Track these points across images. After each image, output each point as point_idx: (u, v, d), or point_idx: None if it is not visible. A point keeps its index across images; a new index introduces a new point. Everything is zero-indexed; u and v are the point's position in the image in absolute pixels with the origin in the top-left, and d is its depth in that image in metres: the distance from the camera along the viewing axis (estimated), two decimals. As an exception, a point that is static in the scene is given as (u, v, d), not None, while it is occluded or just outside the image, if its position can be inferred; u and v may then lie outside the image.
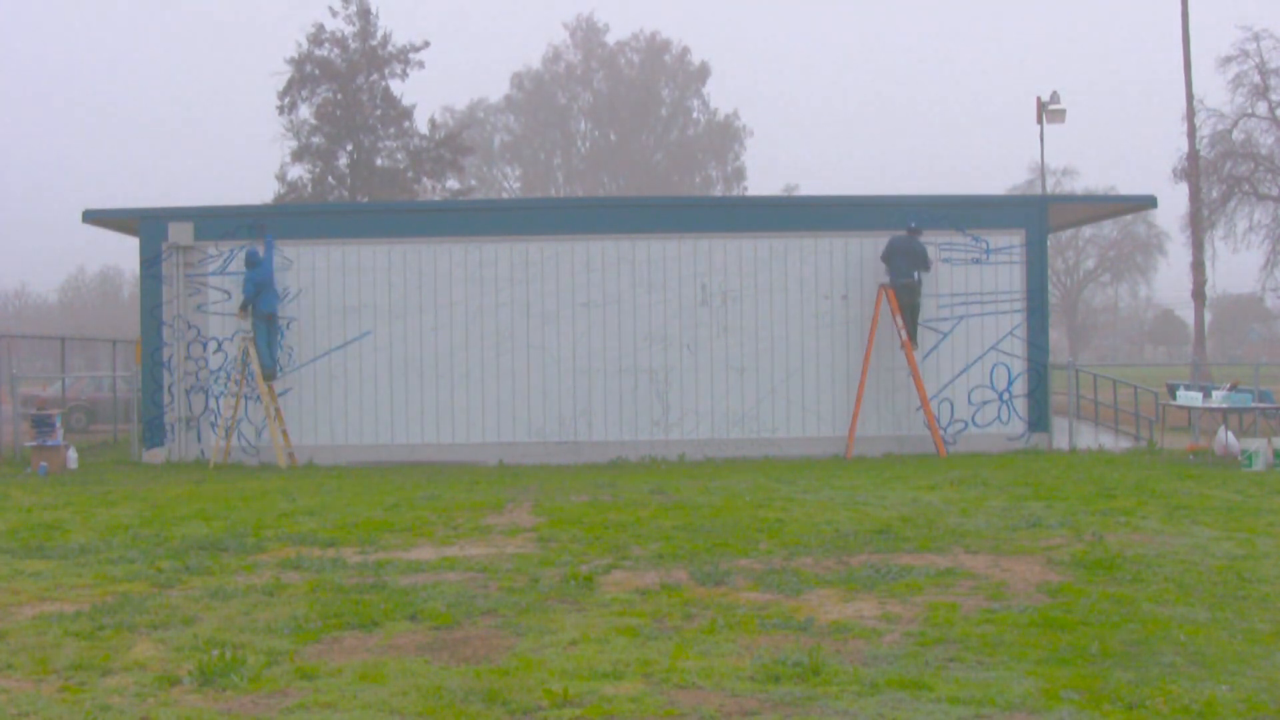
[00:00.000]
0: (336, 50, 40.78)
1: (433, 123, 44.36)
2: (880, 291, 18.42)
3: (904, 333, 18.23)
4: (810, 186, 67.03)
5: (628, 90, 71.52)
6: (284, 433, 18.31)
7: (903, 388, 18.73)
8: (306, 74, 40.45)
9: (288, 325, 18.77)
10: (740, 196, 59.20)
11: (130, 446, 19.99)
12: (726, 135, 72.72)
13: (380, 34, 41.07)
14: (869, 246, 18.93)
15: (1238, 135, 38.78)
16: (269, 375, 18.30)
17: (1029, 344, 19.01)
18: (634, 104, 71.10)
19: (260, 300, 18.26)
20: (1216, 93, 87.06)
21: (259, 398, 18.73)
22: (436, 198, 41.46)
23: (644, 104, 71.41)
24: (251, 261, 18.33)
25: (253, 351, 18.22)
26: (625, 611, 7.48)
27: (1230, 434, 16.50)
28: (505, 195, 70.29)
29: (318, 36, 40.68)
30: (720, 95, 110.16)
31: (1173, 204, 41.35)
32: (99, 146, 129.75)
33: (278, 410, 18.31)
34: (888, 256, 18.35)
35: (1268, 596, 7.68)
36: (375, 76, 41.15)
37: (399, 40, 41.34)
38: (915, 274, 18.26)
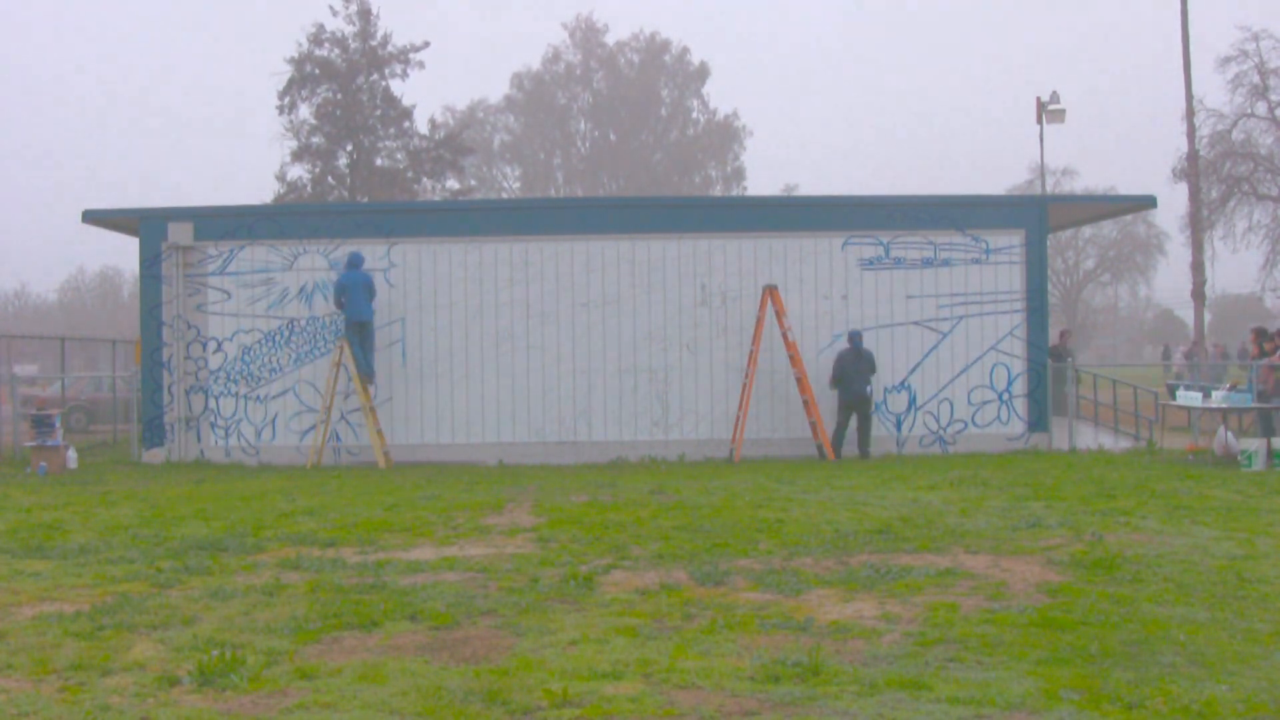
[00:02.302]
0: (336, 50, 40.81)
1: (433, 123, 44.43)
2: (765, 293, 18.23)
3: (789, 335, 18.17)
4: (810, 186, 67.18)
5: (627, 90, 71.55)
6: (379, 432, 18.20)
7: (896, 391, 18.77)
8: (306, 74, 40.48)
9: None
10: (740, 196, 59.22)
11: (130, 446, 20.00)
12: (726, 135, 72.77)
13: (380, 34, 41.13)
14: (869, 247, 18.94)
15: (1237, 135, 38.81)
16: (367, 378, 18.17)
17: (1029, 344, 19.02)
18: (633, 104, 71.13)
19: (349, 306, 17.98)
20: (1216, 93, 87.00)
21: (260, 398, 18.75)
22: (436, 198, 41.48)
23: (643, 104, 71.44)
24: (354, 263, 18.14)
25: (349, 352, 18.10)
26: (625, 611, 7.48)
27: (1230, 434, 16.49)
28: (505, 195, 70.31)
29: (318, 36, 40.71)
30: (720, 95, 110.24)
31: (1172, 204, 41.42)
32: (99, 146, 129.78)
33: (373, 409, 18.21)
34: (840, 371, 18.12)
35: (1268, 596, 7.68)
36: (375, 76, 41.18)
37: (399, 40, 41.45)
38: (869, 386, 18.19)
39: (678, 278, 18.94)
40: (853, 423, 18.26)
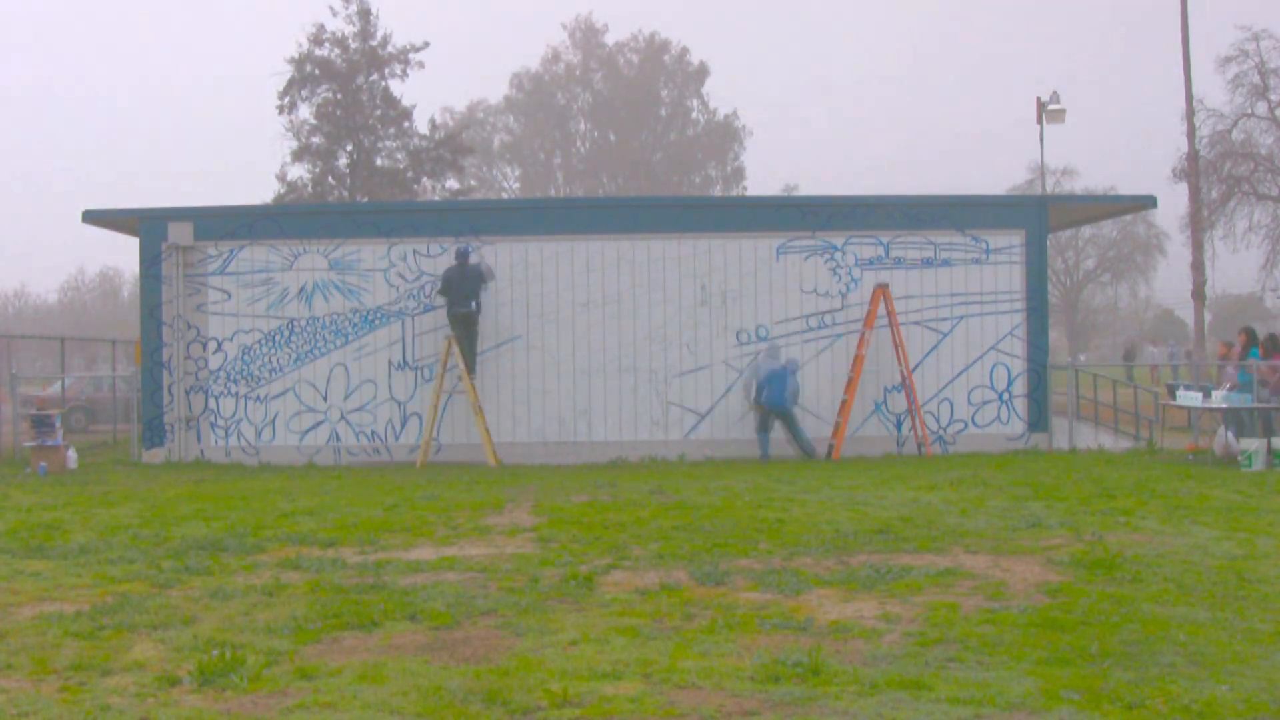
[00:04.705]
0: (337, 50, 40.76)
1: (433, 123, 44.37)
2: (877, 292, 18.38)
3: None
4: (810, 186, 66.96)
5: (627, 90, 71.54)
6: (487, 431, 18.09)
7: (896, 391, 18.78)
8: (306, 74, 40.43)
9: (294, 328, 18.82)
10: (741, 196, 59.20)
11: (130, 446, 20.00)
12: (726, 135, 72.74)
13: (380, 34, 41.07)
14: (869, 247, 18.94)
15: (1237, 135, 38.71)
16: (471, 370, 18.14)
17: (1029, 344, 19.02)
18: (633, 104, 71.11)
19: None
20: (1216, 93, 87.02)
21: (260, 398, 18.75)
22: (436, 198, 41.47)
23: (643, 104, 71.42)
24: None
25: (456, 348, 18.08)
26: (625, 611, 7.48)
27: (1230, 434, 16.48)
28: (505, 195, 70.31)
29: (318, 36, 40.66)
30: (720, 95, 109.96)
31: (1173, 204, 41.29)
32: (99, 146, 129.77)
33: (479, 409, 18.07)
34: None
35: (1268, 596, 7.68)
36: (375, 76, 41.13)
37: (399, 40, 41.38)
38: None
39: (678, 278, 18.94)
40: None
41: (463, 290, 18.01)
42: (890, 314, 18.38)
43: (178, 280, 18.83)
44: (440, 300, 18.53)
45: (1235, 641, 6.56)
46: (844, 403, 18.25)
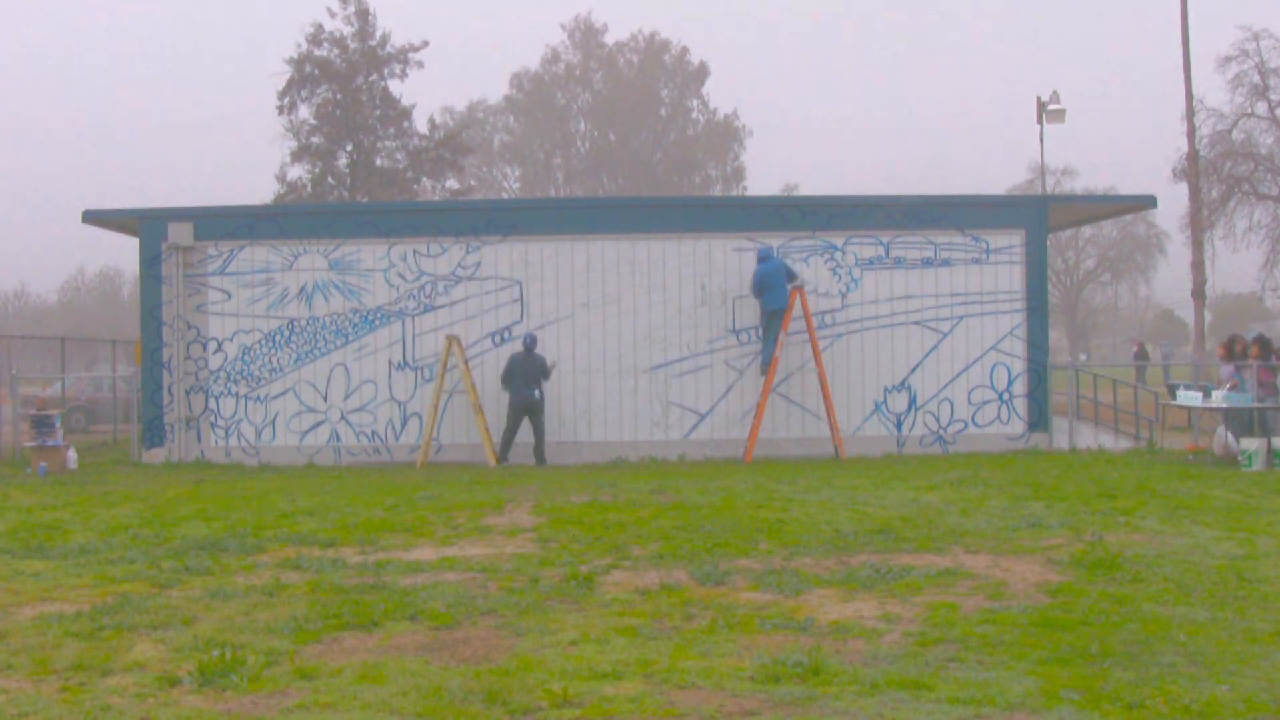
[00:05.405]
0: (336, 50, 40.81)
1: (432, 123, 44.39)
2: (793, 293, 18.14)
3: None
4: (810, 186, 66.92)
5: (627, 90, 71.56)
6: (487, 430, 18.04)
7: (896, 391, 18.79)
8: (306, 74, 40.47)
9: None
10: (740, 196, 59.18)
11: (130, 446, 20.00)
12: (726, 135, 72.74)
13: (379, 34, 41.13)
14: (869, 247, 18.94)
15: (1237, 135, 38.69)
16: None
17: (1029, 344, 19.01)
18: (633, 104, 71.13)
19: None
20: (1216, 93, 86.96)
21: (260, 398, 18.75)
22: (436, 198, 41.49)
23: (643, 104, 71.44)
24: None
25: (459, 350, 18.03)
26: (625, 611, 7.48)
27: (1230, 434, 16.48)
28: (505, 195, 70.32)
29: (317, 37, 40.70)
30: (720, 95, 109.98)
31: (1173, 204, 41.22)
32: (99, 146, 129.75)
33: (480, 409, 18.02)
34: (509, 373, 17.97)
35: (1268, 596, 7.68)
36: (374, 77, 41.19)
37: (398, 40, 41.43)
38: (538, 390, 17.95)
39: (678, 278, 18.93)
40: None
41: (526, 377, 17.83)
42: (805, 315, 18.19)
43: (178, 280, 18.83)
44: (441, 300, 18.55)
45: (1235, 641, 6.56)
46: (759, 405, 18.22)
